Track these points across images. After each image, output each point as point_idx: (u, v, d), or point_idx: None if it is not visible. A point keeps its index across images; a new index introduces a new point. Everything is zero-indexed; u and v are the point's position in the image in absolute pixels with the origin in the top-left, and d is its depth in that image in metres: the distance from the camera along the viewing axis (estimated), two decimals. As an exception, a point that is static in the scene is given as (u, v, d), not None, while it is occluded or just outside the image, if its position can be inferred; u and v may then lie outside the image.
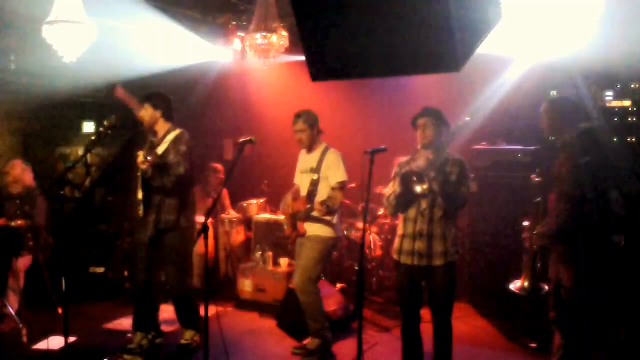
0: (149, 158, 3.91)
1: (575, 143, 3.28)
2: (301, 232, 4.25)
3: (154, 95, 4.32)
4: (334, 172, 4.22)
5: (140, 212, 4.14)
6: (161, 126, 4.29)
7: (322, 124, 4.37)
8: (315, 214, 4.13)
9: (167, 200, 4.12)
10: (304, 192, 4.30)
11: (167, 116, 4.32)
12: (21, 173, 5.20)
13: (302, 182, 4.37)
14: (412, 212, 3.51)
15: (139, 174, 4.07)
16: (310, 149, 4.34)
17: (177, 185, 4.06)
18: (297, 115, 4.30)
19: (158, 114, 4.28)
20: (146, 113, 4.28)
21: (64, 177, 3.75)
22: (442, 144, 3.55)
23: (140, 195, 4.15)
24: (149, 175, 3.99)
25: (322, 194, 4.22)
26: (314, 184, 4.24)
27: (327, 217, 4.16)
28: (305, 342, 4.33)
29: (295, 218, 4.30)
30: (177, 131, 4.25)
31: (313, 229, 4.22)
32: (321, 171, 4.23)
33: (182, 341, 4.34)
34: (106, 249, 5.82)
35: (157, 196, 4.12)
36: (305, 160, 4.39)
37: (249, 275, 5.54)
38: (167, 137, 4.21)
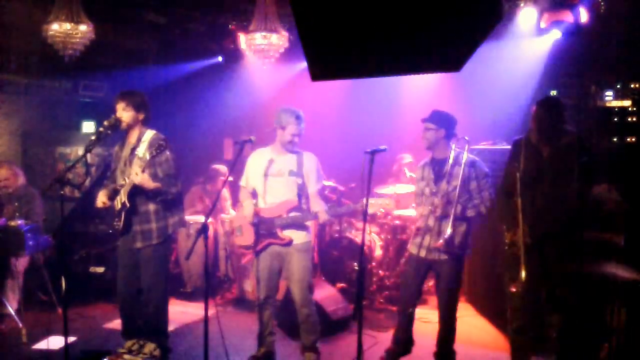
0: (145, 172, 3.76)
1: (573, 145, 3.51)
2: (287, 240, 3.91)
3: (135, 95, 3.98)
4: (315, 177, 3.99)
5: (120, 222, 3.95)
6: (137, 130, 4.02)
7: (322, 124, 4.32)
8: (323, 217, 3.84)
9: (154, 208, 3.97)
10: (285, 196, 3.94)
11: (147, 122, 4.05)
12: (11, 176, 5.14)
13: (276, 186, 3.98)
14: (425, 210, 3.79)
15: (123, 182, 3.90)
16: (292, 150, 4.02)
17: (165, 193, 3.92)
18: (301, 117, 3.97)
19: (141, 117, 4.00)
20: (127, 115, 3.94)
21: (64, 177, 3.73)
22: (444, 144, 3.80)
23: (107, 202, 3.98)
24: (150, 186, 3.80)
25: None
26: (302, 189, 3.95)
27: (308, 223, 3.99)
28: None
29: (269, 225, 3.93)
30: (152, 132, 4.02)
31: (299, 237, 3.94)
32: (303, 175, 3.97)
33: (140, 356, 4.02)
34: (106, 249, 5.82)
35: (144, 205, 3.95)
36: (277, 162, 4.00)
37: (249, 275, 5.53)
38: (143, 138, 3.99)
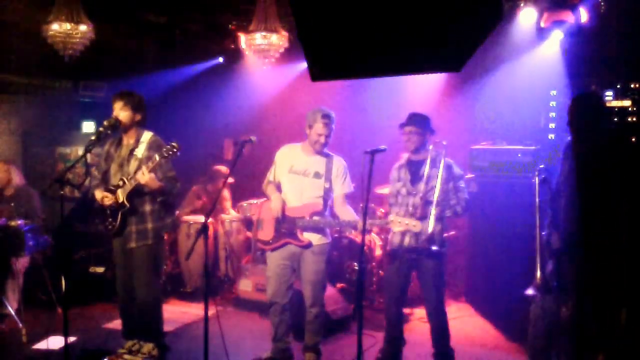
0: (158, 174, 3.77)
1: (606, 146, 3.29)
2: (306, 242, 3.86)
3: (133, 96, 3.95)
4: (342, 182, 3.95)
5: (115, 222, 3.94)
6: (134, 130, 3.99)
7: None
8: (360, 227, 3.55)
9: (151, 209, 3.96)
10: (307, 197, 3.89)
11: (143, 123, 4.03)
12: (7, 175, 5.13)
13: (299, 185, 3.93)
14: (402, 210, 3.81)
15: (122, 183, 3.85)
16: (321, 151, 3.96)
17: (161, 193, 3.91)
18: (331, 117, 3.91)
19: (137, 118, 3.97)
20: (124, 115, 3.91)
21: (64, 177, 3.72)
22: (426, 148, 3.88)
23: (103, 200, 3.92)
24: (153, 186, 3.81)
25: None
26: (328, 194, 3.90)
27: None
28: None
29: (290, 224, 3.87)
30: (149, 133, 4.01)
31: (315, 239, 3.90)
32: (331, 179, 3.91)
33: (140, 356, 4.00)
34: (106, 249, 5.81)
35: (141, 206, 3.94)
36: (304, 161, 3.96)
37: (249, 275, 5.53)
38: (141, 139, 3.97)
